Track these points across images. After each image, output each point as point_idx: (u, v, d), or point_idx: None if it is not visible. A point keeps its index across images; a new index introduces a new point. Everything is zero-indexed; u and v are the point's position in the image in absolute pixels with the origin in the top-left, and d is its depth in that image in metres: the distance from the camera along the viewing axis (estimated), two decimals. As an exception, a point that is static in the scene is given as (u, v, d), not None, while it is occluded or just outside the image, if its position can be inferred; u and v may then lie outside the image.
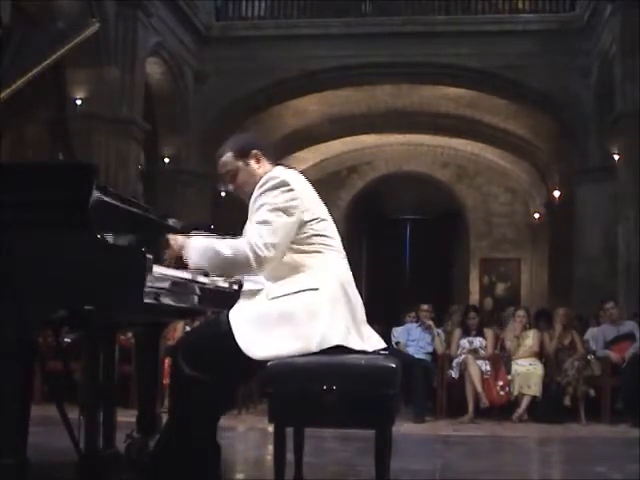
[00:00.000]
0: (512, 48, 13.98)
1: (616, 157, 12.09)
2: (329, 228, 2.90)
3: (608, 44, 12.36)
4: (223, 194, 15.97)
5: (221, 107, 14.62)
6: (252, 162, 2.99)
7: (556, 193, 16.88)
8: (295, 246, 2.79)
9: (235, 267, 2.80)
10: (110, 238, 2.54)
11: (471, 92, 15.38)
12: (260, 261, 2.72)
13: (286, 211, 2.77)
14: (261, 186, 2.83)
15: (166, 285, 2.63)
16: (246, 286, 2.85)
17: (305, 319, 2.65)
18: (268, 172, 2.91)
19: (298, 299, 2.69)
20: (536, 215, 19.29)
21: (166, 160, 14.54)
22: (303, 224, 2.81)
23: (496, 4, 14.89)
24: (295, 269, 2.77)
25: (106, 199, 2.69)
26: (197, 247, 2.80)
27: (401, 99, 16.58)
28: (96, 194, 2.60)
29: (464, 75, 14.55)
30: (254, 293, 2.77)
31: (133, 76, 11.89)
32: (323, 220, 2.88)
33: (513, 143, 17.72)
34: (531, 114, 15.70)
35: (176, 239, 2.87)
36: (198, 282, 2.88)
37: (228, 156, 3.01)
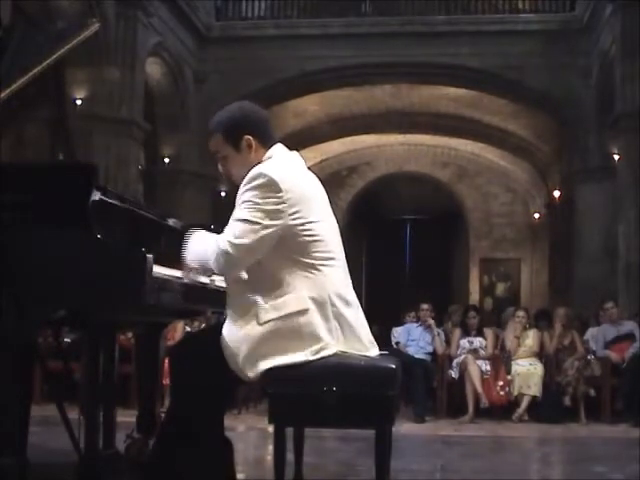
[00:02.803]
0: (512, 48, 13.99)
1: (616, 157, 12.09)
2: (325, 231, 2.65)
3: (608, 44, 12.37)
4: (223, 194, 15.97)
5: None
6: (244, 149, 2.71)
7: (556, 193, 16.89)
8: (291, 256, 2.58)
9: (209, 265, 2.63)
10: (110, 238, 2.54)
11: (471, 92, 15.40)
12: (229, 262, 2.55)
13: (269, 214, 2.54)
14: (248, 182, 2.59)
15: (166, 285, 2.62)
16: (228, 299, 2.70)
17: (296, 344, 2.57)
18: (262, 158, 2.69)
19: (287, 323, 2.55)
20: (536, 215, 19.30)
21: (166, 160, 14.55)
22: (291, 229, 2.57)
23: (496, 4, 14.90)
24: (287, 284, 2.58)
25: (106, 199, 2.69)
26: (192, 247, 2.67)
27: (401, 99, 16.59)
28: (96, 194, 2.60)
29: (464, 75, 14.57)
30: (244, 311, 2.60)
31: (133, 76, 11.90)
32: (316, 222, 2.62)
33: (513, 143, 17.73)
34: (531, 114, 15.71)
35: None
36: (198, 282, 2.87)
37: (217, 138, 2.77)
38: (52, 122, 3.47)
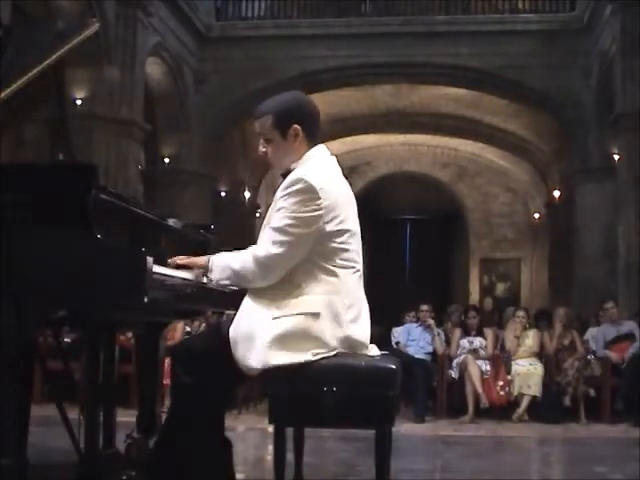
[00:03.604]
0: (512, 48, 13.99)
1: (616, 157, 12.09)
2: (352, 240, 2.69)
3: (608, 44, 12.37)
4: (223, 194, 15.97)
5: (221, 107, 14.62)
6: (290, 137, 2.72)
7: (556, 193, 16.90)
8: (316, 260, 2.61)
9: (243, 281, 2.66)
10: (110, 238, 2.54)
11: (471, 92, 15.39)
12: (265, 271, 2.59)
13: (306, 222, 2.57)
14: (287, 187, 2.60)
15: (166, 285, 2.62)
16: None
17: (301, 344, 2.56)
18: (303, 153, 2.72)
19: (297, 323, 2.56)
20: (536, 215, 19.31)
21: (166, 160, 14.55)
22: (323, 234, 2.60)
23: (496, 4, 14.90)
24: (305, 286, 2.60)
25: (106, 199, 2.69)
26: (218, 266, 2.68)
27: (401, 99, 16.59)
28: (96, 194, 2.60)
29: (464, 75, 14.56)
30: (258, 305, 2.62)
31: (133, 76, 11.89)
32: (346, 231, 2.66)
33: (513, 143, 17.74)
34: (531, 114, 15.71)
35: (196, 262, 2.76)
36: (198, 282, 2.87)
37: (267, 120, 2.73)
38: (52, 122, 3.46)
